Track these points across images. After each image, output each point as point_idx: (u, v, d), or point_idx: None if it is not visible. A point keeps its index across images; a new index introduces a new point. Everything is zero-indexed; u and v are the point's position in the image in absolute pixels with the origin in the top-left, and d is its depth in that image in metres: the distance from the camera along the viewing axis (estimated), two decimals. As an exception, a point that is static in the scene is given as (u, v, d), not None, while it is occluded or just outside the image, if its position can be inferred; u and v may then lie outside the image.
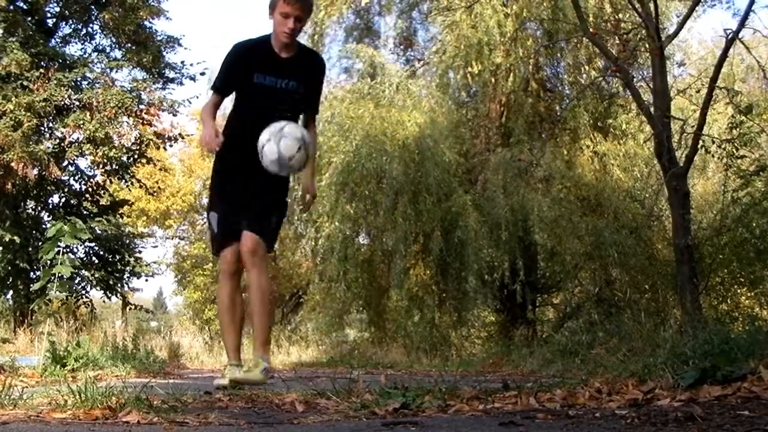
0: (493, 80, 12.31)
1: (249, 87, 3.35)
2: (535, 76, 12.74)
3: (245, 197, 3.37)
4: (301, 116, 3.52)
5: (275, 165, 3.12)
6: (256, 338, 3.27)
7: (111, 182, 13.87)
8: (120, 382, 3.53)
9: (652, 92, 8.66)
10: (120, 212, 14.31)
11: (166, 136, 13.92)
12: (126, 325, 11.40)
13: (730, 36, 8.08)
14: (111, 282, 13.49)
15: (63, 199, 13.35)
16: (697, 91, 9.25)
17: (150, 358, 7.80)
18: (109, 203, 13.81)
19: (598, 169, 12.52)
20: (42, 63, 12.24)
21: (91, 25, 13.85)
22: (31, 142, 11.49)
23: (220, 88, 3.45)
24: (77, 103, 12.23)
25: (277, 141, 3.09)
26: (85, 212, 13.14)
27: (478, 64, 11.83)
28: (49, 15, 13.58)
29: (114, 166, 13.03)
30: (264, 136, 3.12)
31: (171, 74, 13.68)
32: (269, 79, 3.34)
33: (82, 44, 13.92)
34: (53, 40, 13.43)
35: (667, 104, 8.27)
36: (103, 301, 14.86)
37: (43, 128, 12.45)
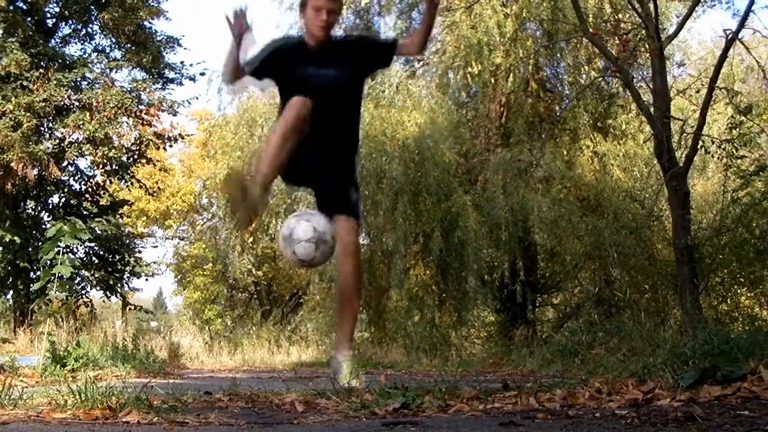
0: (492, 80, 12.31)
1: (293, 80, 3.30)
2: (534, 76, 12.74)
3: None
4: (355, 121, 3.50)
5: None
6: (347, 334, 3.34)
7: (111, 182, 13.88)
8: (120, 382, 3.54)
9: (651, 92, 8.67)
10: (120, 212, 14.32)
11: (166, 136, 13.92)
12: (126, 325, 11.40)
13: (729, 36, 8.09)
14: (111, 282, 13.50)
15: (63, 199, 13.36)
16: (697, 92, 9.26)
17: (150, 358, 7.79)
18: (109, 203, 13.82)
19: (598, 170, 12.52)
20: (42, 63, 12.24)
21: (90, 26, 13.86)
22: (30, 143, 11.49)
23: (251, 63, 3.36)
24: (77, 103, 12.24)
25: (291, 247, 3.10)
26: (85, 212, 13.15)
27: (478, 65, 11.83)
28: (49, 15, 13.59)
29: (114, 167, 13.04)
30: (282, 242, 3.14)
31: (171, 74, 13.69)
32: (310, 70, 3.29)
33: (81, 44, 13.94)
34: (53, 41, 13.44)
35: (667, 104, 8.27)
36: (103, 301, 14.86)
37: (42, 128, 12.46)
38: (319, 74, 3.30)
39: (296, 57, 3.33)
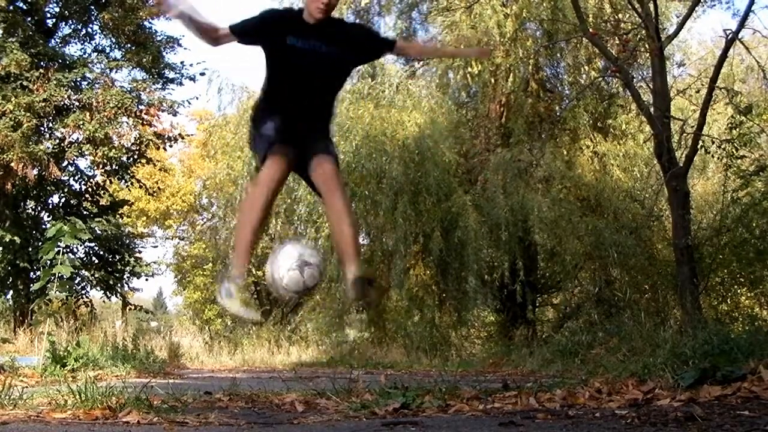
0: (492, 80, 12.31)
1: (284, 49, 3.25)
2: (534, 76, 12.75)
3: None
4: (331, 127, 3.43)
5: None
6: (353, 253, 3.14)
7: (111, 182, 13.88)
8: (120, 382, 3.54)
9: (651, 92, 8.67)
10: (120, 212, 14.31)
11: (166, 136, 13.92)
12: (126, 325, 11.40)
13: (729, 36, 8.10)
14: (111, 282, 13.49)
15: (63, 199, 13.36)
16: (697, 92, 9.27)
17: (150, 358, 7.79)
18: (109, 203, 13.81)
19: (598, 170, 12.53)
20: (42, 63, 12.23)
21: (90, 26, 13.85)
22: (30, 143, 11.49)
23: (236, 25, 3.29)
24: (77, 103, 12.23)
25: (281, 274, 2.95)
26: (85, 212, 13.14)
27: (478, 65, 11.83)
28: (49, 15, 13.58)
29: (114, 167, 13.03)
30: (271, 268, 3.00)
31: (171, 74, 13.67)
32: (303, 42, 3.24)
33: (81, 44, 13.93)
34: (53, 41, 13.43)
35: (667, 104, 8.28)
36: (103, 301, 14.86)
37: (42, 128, 12.45)
38: (310, 46, 3.26)
39: (291, 27, 3.29)
